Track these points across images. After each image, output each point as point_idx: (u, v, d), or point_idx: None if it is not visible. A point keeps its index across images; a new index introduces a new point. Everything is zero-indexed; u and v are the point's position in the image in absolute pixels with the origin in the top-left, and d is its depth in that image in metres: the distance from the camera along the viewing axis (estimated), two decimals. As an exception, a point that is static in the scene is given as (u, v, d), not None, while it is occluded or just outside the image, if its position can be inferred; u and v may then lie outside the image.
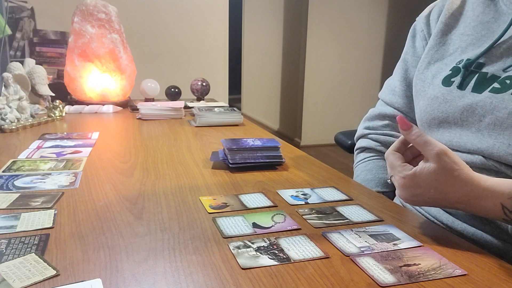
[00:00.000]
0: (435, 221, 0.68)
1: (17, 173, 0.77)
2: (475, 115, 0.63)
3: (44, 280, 0.43)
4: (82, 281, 0.43)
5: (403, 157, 0.57)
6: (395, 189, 0.82)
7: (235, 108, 1.35)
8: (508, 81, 0.61)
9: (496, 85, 0.62)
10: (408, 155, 0.59)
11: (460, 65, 0.68)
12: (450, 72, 0.69)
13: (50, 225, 0.55)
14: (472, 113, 0.63)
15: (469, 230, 0.62)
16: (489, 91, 0.62)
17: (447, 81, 0.68)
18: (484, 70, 0.65)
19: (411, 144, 0.58)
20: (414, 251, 0.51)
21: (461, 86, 0.66)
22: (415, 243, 0.53)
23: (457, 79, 0.67)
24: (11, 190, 0.68)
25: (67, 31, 1.71)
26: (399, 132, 0.86)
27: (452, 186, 0.52)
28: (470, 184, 0.52)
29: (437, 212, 0.67)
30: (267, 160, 0.84)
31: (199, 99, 1.72)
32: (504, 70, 0.62)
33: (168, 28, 2.10)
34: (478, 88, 0.64)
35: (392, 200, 0.72)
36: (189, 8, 2.11)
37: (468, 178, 0.52)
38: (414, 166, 0.54)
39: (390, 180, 0.60)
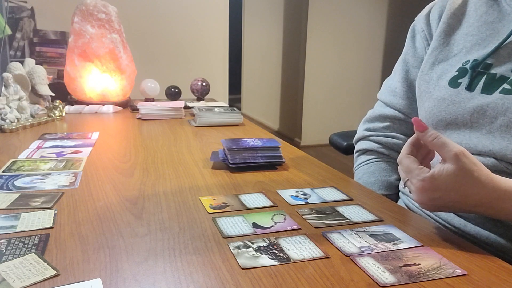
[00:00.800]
0: (447, 225, 0.66)
1: (17, 173, 0.77)
2: (486, 116, 0.62)
3: (44, 280, 0.43)
4: (82, 281, 0.43)
5: (417, 160, 0.56)
6: (399, 192, 0.82)
7: (235, 108, 1.35)
8: None
9: (506, 86, 0.61)
10: (419, 158, 0.58)
11: (467, 66, 0.67)
12: (457, 73, 0.68)
13: (50, 225, 0.55)
14: (482, 115, 0.62)
15: (482, 234, 0.61)
16: (500, 92, 0.61)
17: (454, 82, 0.67)
18: (493, 71, 0.64)
19: (420, 146, 0.58)
20: (414, 251, 0.51)
21: (470, 87, 0.65)
22: (415, 243, 0.53)
23: (464, 80, 0.66)
24: (11, 190, 0.68)
25: (67, 31, 1.71)
26: (400, 134, 0.85)
27: (473, 187, 0.51)
28: (491, 186, 0.51)
29: (448, 216, 0.66)
30: (267, 160, 0.84)
31: (199, 99, 1.72)
32: None
33: (168, 28, 2.10)
34: (488, 89, 0.62)
35: (396, 202, 0.71)
36: (189, 8, 2.11)
37: (488, 179, 0.51)
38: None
39: (405, 186, 0.58)
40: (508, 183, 0.51)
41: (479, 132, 0.63)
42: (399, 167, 0.60)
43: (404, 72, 0.83)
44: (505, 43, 0.64)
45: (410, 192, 0.58)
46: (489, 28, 0.68)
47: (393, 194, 0.83)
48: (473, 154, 0.61)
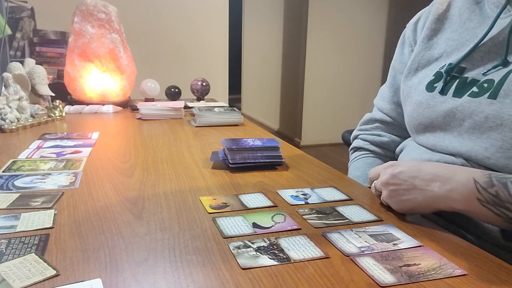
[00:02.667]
0: None
1: (17, 173, 0.77)
2: (456, 119, 0.64)
3: (44, 280, 0.43)
4: (82, 281, 0.43)
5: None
6: None
7: (235, 108, 1.35)
8: (486, 85, 0.61)
9: (474, 89, 0.63)
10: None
11: (442, 70, 0.69)
12: (433, 77, 0.70)
13: (50, 225, 0.55)
14: (453, 118, 0.65)
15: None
16: (468, 96, 0.63)
17: (430, 87, 0.70)
18: (466, 74, 0.66)
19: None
20: (414, 251, 0.51)
21: (443, 91, 0.67)
22: (415, 243, 0.53)
23: (439, 85, 0.68)
24: (11, 190, 0.68)
25: (67, 31, 1.71)
26: (387, 132, 0.89)
27: (422, 163, 0.61)
28: (429, 163, 0.60)
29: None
30: (267, 160, 0.84)
31: (199, 99, 1.72)
32: (484, 73, 0.63)
33: (168, 28, 2.10)
34: (459, 93, 0.65)
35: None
36: (189, 8, 2.11)
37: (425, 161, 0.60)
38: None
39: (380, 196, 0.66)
40: (436, 164, 0.60)
41: (451, 134, 0.65)
42: (372, 188, 0.68)
43: (392, 78, 0.87)
44: (478, 46, 0.65)
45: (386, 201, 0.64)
46: (469, 33, 0.69)
47: None
48: (446, 155, 0.67)
